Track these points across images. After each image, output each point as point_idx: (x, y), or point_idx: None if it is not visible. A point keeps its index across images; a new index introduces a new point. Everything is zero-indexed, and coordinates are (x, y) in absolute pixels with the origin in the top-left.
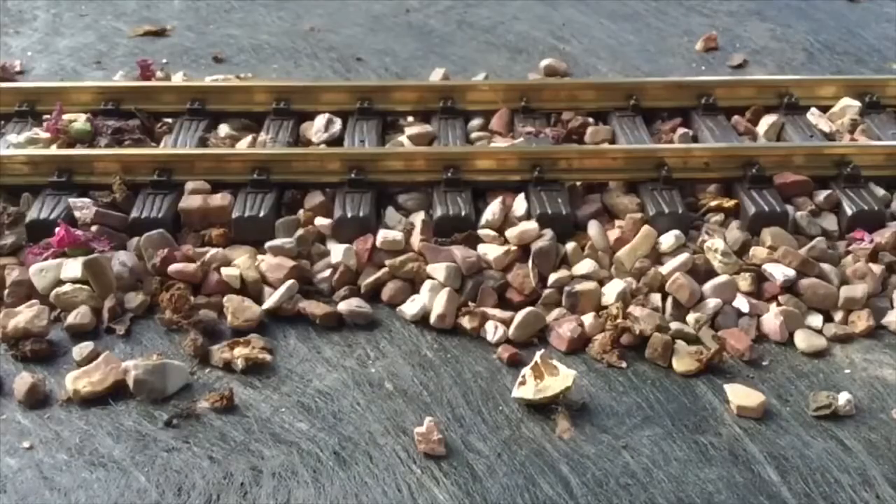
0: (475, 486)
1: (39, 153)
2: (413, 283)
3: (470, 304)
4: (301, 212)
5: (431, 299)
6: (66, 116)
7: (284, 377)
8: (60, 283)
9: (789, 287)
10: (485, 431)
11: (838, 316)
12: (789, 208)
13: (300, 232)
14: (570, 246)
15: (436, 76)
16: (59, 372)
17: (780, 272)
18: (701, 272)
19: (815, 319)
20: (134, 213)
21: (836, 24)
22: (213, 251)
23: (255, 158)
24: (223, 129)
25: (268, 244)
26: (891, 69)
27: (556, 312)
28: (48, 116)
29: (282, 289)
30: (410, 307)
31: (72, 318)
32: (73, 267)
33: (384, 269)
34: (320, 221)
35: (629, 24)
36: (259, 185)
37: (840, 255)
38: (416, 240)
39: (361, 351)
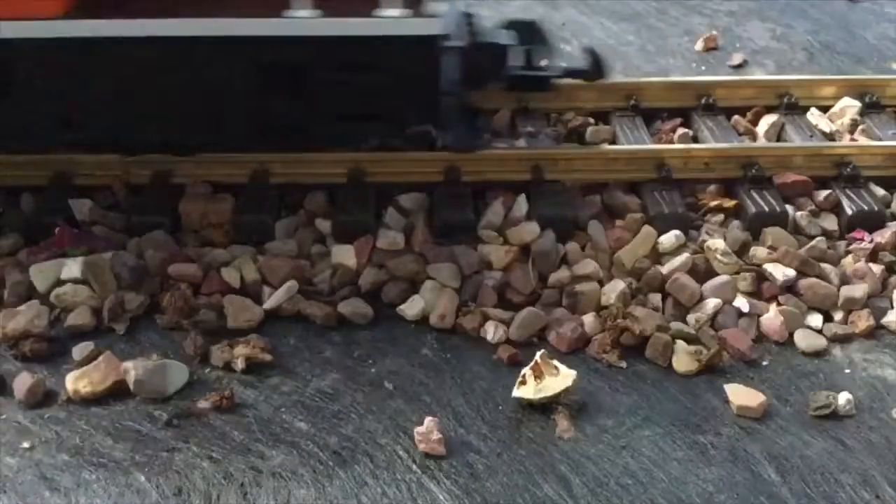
0: (475, 486)
1: (41, 154)
2: (413, 283)
3: (470, 304)
4: (301, 212)
5: (431, 299)
6: None
7: (284, 377)
8: (60, 283)
9: (789, 287)
10: (485, 431)
11: (838, 316)
12: (789, 208)
13: (300, 232)
14: (571, 246)
15: None
16: (59, 372)
17: (780, 272)
18: (701, 272)
19: (815, 319)
20: (134, 214)
21: (836, 24)
22: (213, 251)
23: (257, 159)
24: None
25: (268, 244)
26: (891, 69)
27: (556, 312)
28: None
29: (282, 289)
30: (410, 307)
31: (72, 318)
32: (73, 267)
33: (384, 269)
34: (320, 222)
35: (629, 24)
36: (259, 185)
37: (840, 255)
38: (416, 240)
39: (361, 351)
